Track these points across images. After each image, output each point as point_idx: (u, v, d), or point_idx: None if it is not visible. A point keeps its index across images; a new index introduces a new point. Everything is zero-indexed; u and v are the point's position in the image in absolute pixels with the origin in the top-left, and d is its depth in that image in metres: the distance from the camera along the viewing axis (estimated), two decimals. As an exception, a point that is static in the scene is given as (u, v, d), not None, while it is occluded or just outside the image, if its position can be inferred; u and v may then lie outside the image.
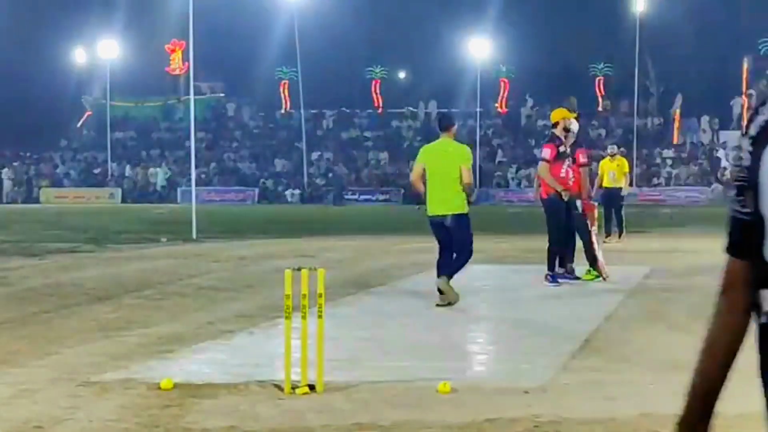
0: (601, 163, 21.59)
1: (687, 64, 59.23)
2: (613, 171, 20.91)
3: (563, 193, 12.49)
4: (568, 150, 12.80)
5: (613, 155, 21.38)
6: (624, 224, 21.26)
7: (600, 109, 60.19)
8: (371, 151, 60.15)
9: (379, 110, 63.91)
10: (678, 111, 57.85)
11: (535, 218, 17.88)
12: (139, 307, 10.90)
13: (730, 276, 2.06)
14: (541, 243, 13.00)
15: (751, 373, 1.85)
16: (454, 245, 10.83)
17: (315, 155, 59.37)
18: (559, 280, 12.63)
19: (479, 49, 57.86)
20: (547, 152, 12.71)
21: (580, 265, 13.35)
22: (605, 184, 20.97)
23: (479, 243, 12.45)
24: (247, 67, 61.99)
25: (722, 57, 58.02)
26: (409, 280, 13.84)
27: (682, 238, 23.01)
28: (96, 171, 61.01)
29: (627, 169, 21.72)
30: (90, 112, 66.36)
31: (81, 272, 14.76)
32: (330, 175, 57.74)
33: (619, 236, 20.93)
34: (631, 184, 22.12)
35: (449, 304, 10.59)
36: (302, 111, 58.82)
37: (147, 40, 61.01)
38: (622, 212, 21.18)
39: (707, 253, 18.43)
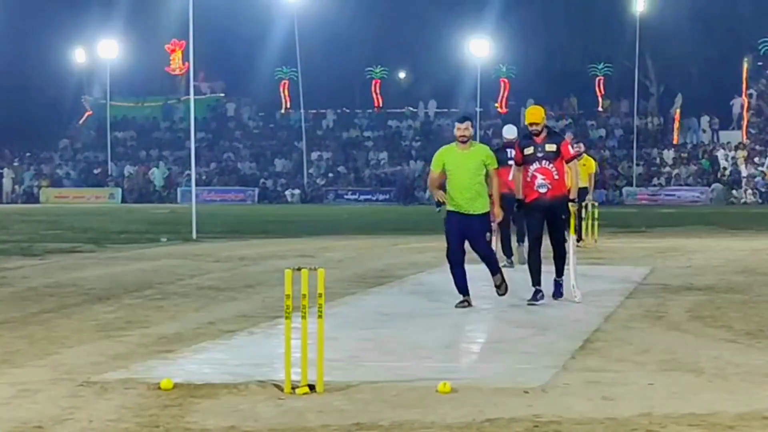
0: None
1: (687, 64, 59.14)
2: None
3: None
4: (538, 150, 11.26)
5: (579, 154, 20.12)
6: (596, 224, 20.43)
7: (600, 109, 60.14)
8: (371, 151, 60.13)
9: (379, 110, 63.86)
10: (678, 111, 57.80)
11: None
12: (139, 307, 10.90)
13: None
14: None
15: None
16: None
17: (315, 155, 59.38)
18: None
19: (479, 49, 57.77)
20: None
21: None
22: None
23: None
24: (247, 67, 61.92)
25: (722, 57, 57.91)
26: (409, 280, 13.84)
27: (682, 238, 23.03)
28: (96, 171, 60.98)
29: (593, 170, 20.37)
30: (90, 112, 66.29)
31: (81, 272, 14.75)
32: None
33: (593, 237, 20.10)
34: (599, 187, 20.78)
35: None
36: (302, 111, 58.82)
37: (147, 40, 60.96)
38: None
39: (707, 253, 18.47)
